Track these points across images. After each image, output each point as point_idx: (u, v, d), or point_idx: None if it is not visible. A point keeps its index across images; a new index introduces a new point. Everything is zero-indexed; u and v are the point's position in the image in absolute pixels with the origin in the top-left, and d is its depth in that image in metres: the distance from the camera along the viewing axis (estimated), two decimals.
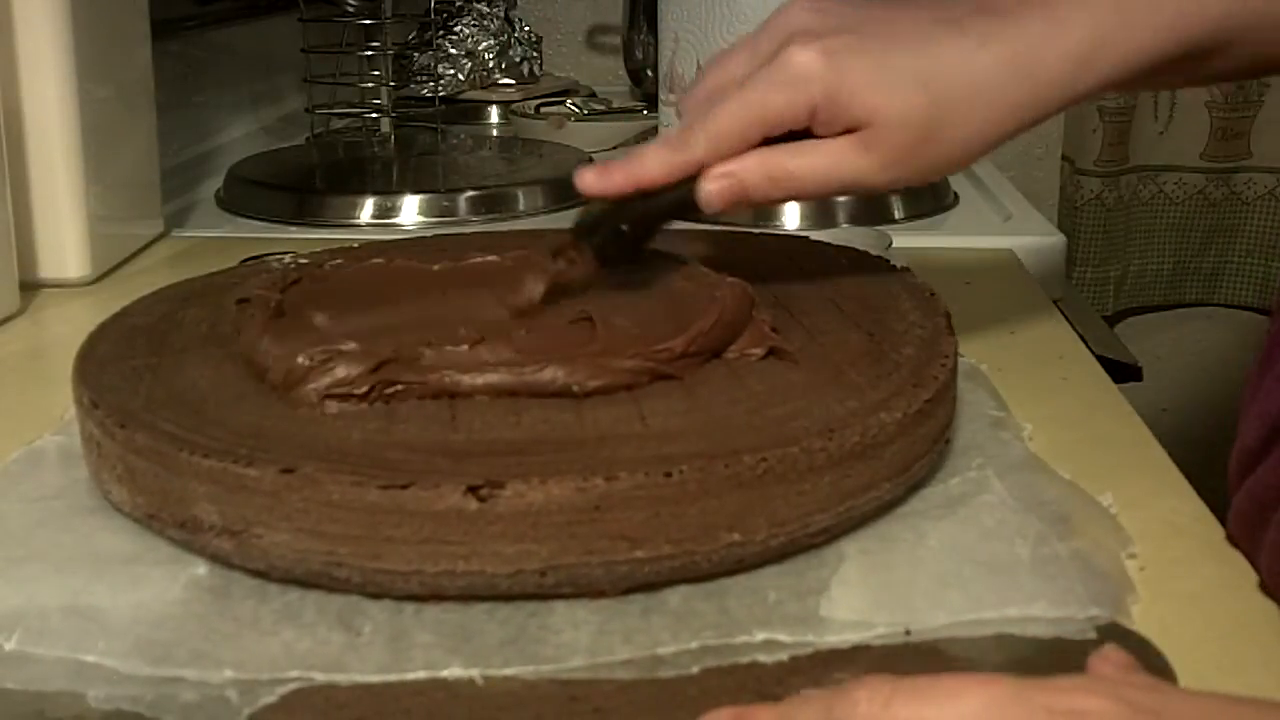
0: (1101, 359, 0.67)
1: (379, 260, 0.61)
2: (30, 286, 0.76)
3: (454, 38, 1.38)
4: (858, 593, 0.41)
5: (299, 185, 1.00)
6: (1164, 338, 1.79)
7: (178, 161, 1.07)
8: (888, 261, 0.62)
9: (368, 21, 1.10)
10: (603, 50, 1.73)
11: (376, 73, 1.13)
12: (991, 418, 0.54)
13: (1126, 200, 1.71)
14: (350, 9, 1.11)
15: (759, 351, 0.50)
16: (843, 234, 0.73)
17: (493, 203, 0.96)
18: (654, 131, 1.02)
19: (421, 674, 0.37)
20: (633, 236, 0.56)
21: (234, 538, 0.41)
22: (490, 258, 0.60)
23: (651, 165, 0.54)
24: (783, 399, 0.46)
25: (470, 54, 1.39)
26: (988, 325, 0.68)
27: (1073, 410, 0.58)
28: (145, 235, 0.88)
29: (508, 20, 1.41)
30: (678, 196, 0.54)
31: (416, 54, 1.38)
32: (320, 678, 0.37)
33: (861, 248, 0.65)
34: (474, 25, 1.39)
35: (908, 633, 0.38)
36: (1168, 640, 0.39)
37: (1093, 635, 0.38)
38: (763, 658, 0.37)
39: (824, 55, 0.52)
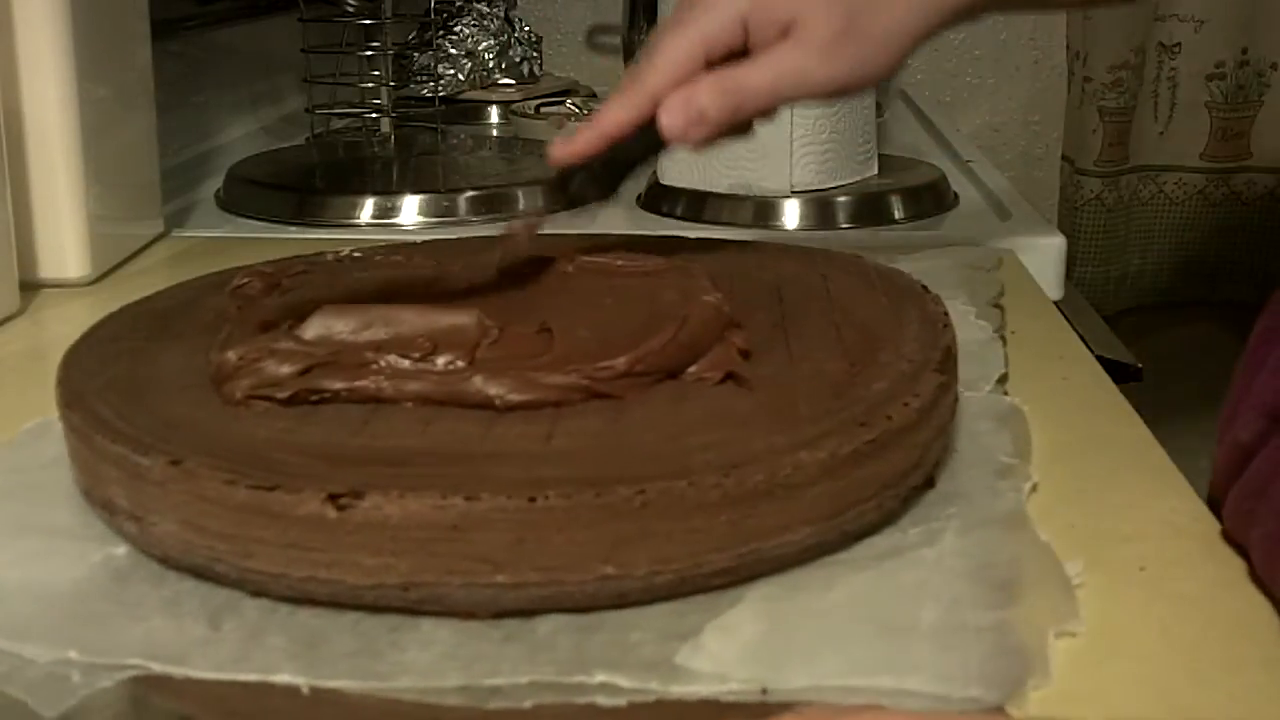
0: (1101, 359, 0.67)
1: (398, 258, 0.62)
2: (30, 286, 0.76)
3: (454, 38, 1.38)
4: (729, 643, 0.38)
5: (299, 185, 1.00)
6: (1164, 338, 1.79)
7: (178, 161, 1.07)
8: (922, 286, 0.58)
9: (368, 21, 1.10)
10: (603, 50, 1.73)
11: (376, 73, 1.13)
12: (1000, 465, 0.49)
13: (1126, 200, 1.71)
14: (350, 9, 1.11)
15: (716, 375, 0.48)
16: (955, 252, 0.70)
17: (493, 203, 0.96)
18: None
19: (253, 676, 0.37)
20: (606, 176, 0.58)
21: (137, 523, 0.42)
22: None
23: (609, 113, 0.57)
24: (709, 428, 0.44)
25: (470, 54, 1.39)
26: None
27: (1073, 410, 0.58)
28: (145, 235, 0.88)
29: (508, 20, 1.41)
30: (643, 137, 0.57)
31: (416, 54, 1.38)
32: (157, 668, 0.37)
33: (967, 266, 0.65)
34: (474, 25, 1.39)
35: (764, 691, 0.36)
36: (1168, 640, 0.39)
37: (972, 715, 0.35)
38: (602, 700, 0.36)
39: None
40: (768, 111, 0.59)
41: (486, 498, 0.38)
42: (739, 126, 0.59)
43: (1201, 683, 0.37)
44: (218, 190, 1.03)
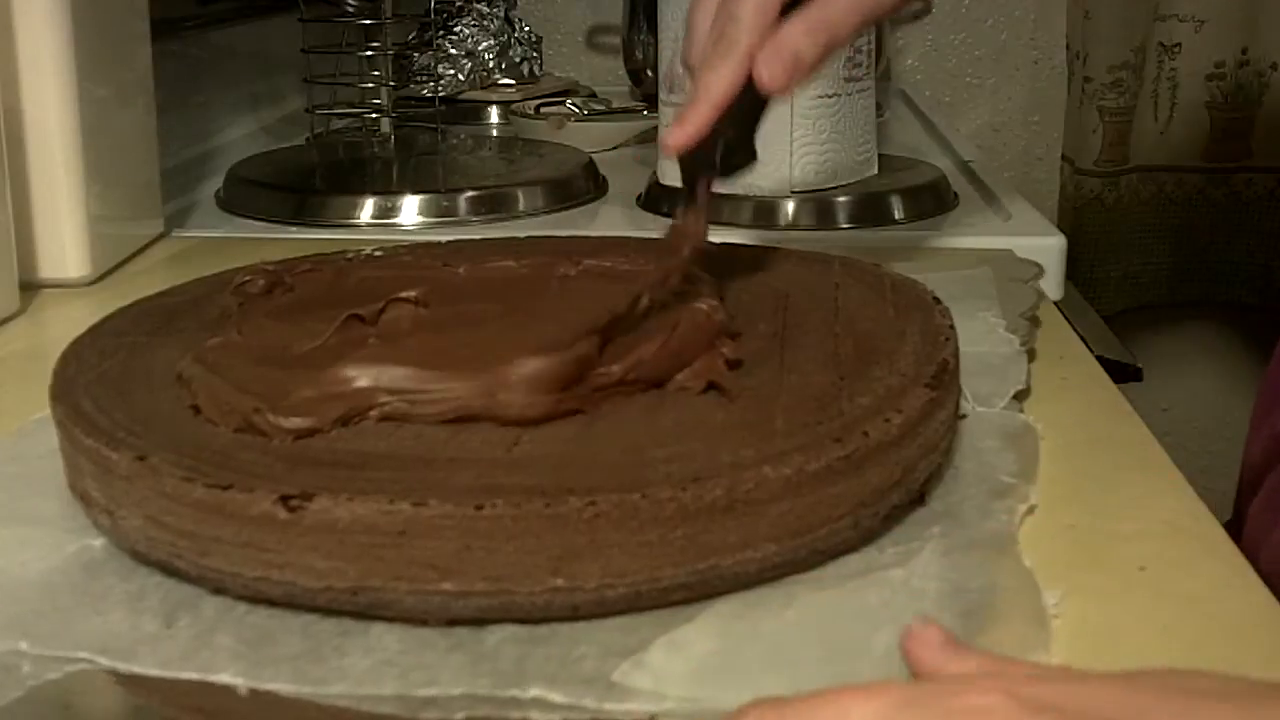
0: (1101, 359, 0.67)
1: (407, 258, 0.62)
2: (30, 286, 0.76)
3: (454, 38, 1.38)
4: (674, 660, 0.37)
5: (299, 185, 1.00)
6: (1164, 338, 1.79)
7: (178, 161, 1.07)
8: (934, 298, 0.56)
9: (368, 21, 1.10)
10: (603, 50, 1.73)
11: (376, 73, 1.13)
12: (999, 484, 0.48)
13: (1126, 200, 1.71)
14: (350, 9, 1.11)
15: (698, 385, 0.47)
16: (994, 260, 0.69)
17: (493, 203, 0.96)
18: (654, 131, 1.02)
19: (195, 675, 0.37)
20: (738, 141, 0.58)
21: (109, 516, 0.43)
22: (508, 262, 0.60)
23: (713, 83, 0.56)
24: (678, 439, 0.43)
25: (470, 54, 1.39)
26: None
27: (1073, 410, 0.58)
28: (145, 235, 0.88)
29: (508, 20, 1.41)
30: (747, 101, 0.56)
31: (416, 54, 1.38)
32: (105, 662, 0.37)
33: (1005, 276, 0.64)
34: (474, 25, 1.39)
35: (653, 718, 0.35)
36: (1168, 640, 0.39)
37: None
38: (535, 715, 0.35)
39: None
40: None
41: (434, 504, 0.38)
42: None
43: None
44: (218, 190, 1.03)
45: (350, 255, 0.65)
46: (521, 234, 0.90)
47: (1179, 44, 1.67)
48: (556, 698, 0.36)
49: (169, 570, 0.42)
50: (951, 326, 0.53)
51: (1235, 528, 0.47)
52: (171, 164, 1.01)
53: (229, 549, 0.39)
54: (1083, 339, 0.69)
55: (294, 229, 0.93)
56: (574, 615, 0.39)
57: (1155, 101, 1.69)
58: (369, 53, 1.12)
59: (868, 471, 0.43)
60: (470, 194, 0.96)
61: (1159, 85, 1.69)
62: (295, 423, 0.44)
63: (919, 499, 0.46)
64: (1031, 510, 0.47)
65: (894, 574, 0.41)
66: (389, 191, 0.97)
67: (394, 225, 0.94)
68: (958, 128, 1.35)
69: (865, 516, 0.43)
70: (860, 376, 0.48)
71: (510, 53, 1.41)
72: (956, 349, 0.51)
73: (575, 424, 0.45)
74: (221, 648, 0.38)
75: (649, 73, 1.42)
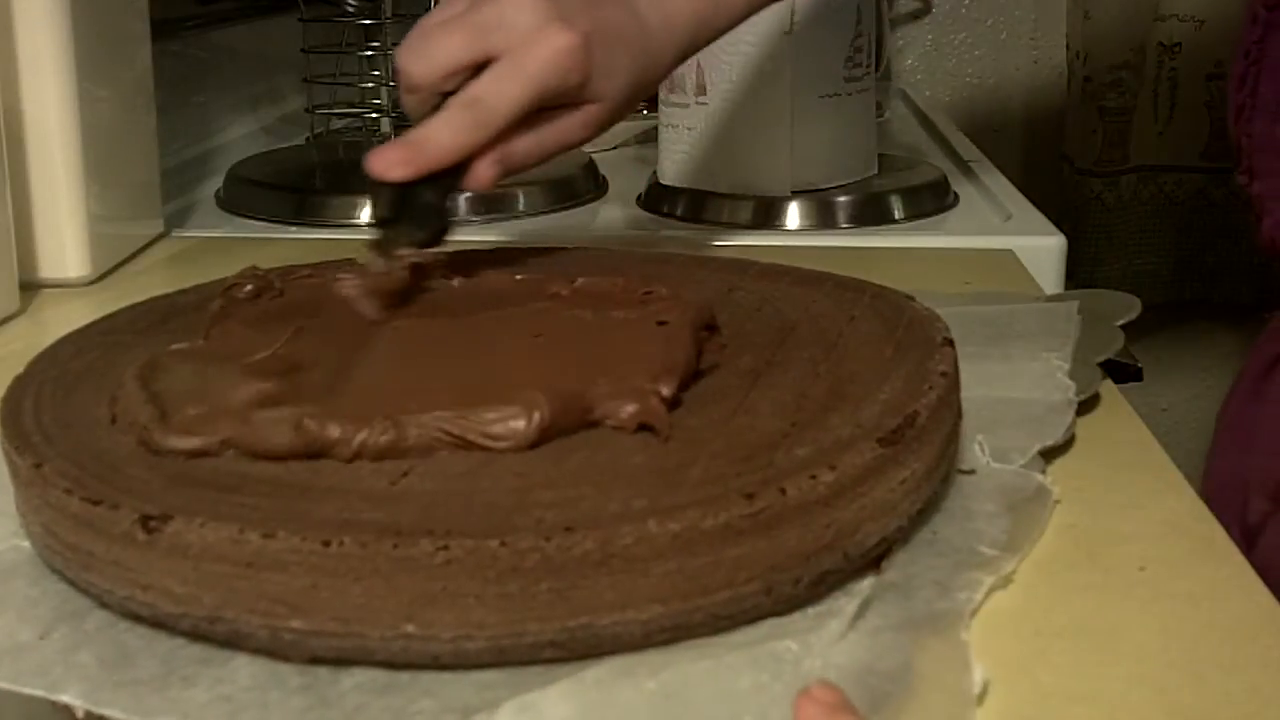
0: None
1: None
2: (30, 286, 0.76)
3: None
4: None
5: (299, 185, 1.00)
6: (1164, 338, 1.79)
7: (178, 161, 1.07)
8: (944, 339, 0.50)
9: (368, 21, 1.10)
10: None
11: (376, 73, 1.13)
12: (974, 557, 0.42)
13: (1126, 200, 1.71)
14: (350, 9, 1.11)
15: (630, 425, 0.43)
16: (1076, 304, 0.64)
17: (492, 203, 0.96)
18: (654, 131, 1.02)
19: (38, 692, 0.36)
20: (434, 203, 0.59)
21: (22, 519, 0.43)
22: (504, 278, 0.60)
23: (446, 147, 0.58)
24: (574, 483, 0.39)
25: None
26: None
27: None
28: (145, 235, 0.88)
29: None
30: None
31: None
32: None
33: (1093, 312, 0.62)
34: None
35: None
36: (1167, 640, 0.39)
37: None
38: None
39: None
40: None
41: (283, 536, 0.36)
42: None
43: (1201, 683, 0.37)
44: (218, 190, 1.03)
45: (343, 262, 0.63)
46: (521, 234, 0.90)
47: (1179, 44, 1.67)
48: None
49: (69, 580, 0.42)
50: (945, 374, 0.46)
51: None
52: (171, 164, 1.01)
53: (102, 565, 0.39)
54: None
55: (294, 229, 0.93)
56: (435, 664, 0.37)
57: (1155, 101, 1.69)
58: (369, 53, 1.12)
59: (783, 532, 0.38)
60: (470, 194, 0.96)
61: (1159, 85, 1.69)
62: (178, 442, 0.43)
63: (873, 565, 0.41)
64: (1007, 582, 0.42)
65: (786, 647, 0.37)
66: None
67: None
68: (958, 128, 1.35)
69: (782, 583, 0.38)
70: (814, 425, 0.43)
71: None
72: (943, 399, 0.45)
73: (475, 459, 0.41)
74: (78, 665, 0.37)
75: None
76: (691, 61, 0.92)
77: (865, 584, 0.40)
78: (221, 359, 0.49)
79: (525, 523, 0.37)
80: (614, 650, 0.37)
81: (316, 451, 0.42)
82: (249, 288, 0.57)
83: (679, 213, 0.94)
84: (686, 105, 0.93)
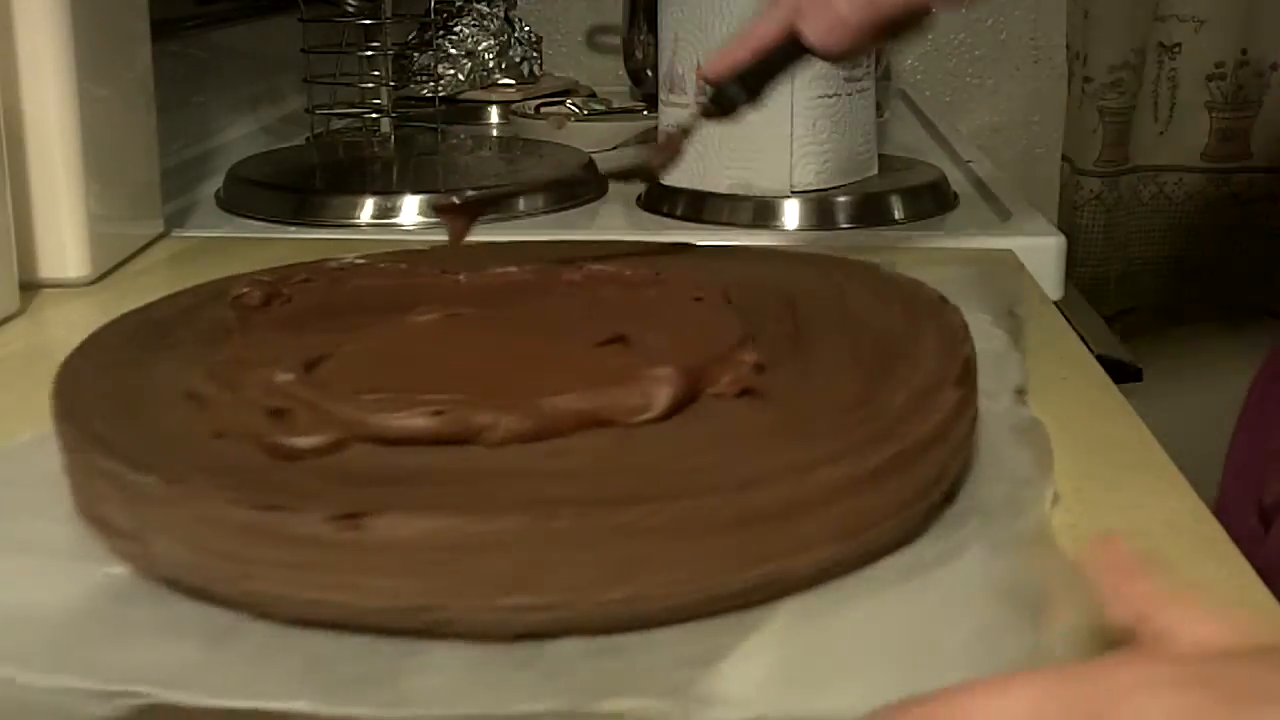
0: (1101, 359, 0.67)
1: (402, 266, 0.61)
2: (30, 286, 0.76)
3: (454, 38, 1.38)
4: (754, 667, 0.37)
5: (299, 185, 1.00)
6: (1164, 338, 1.79)
7: (178, 161, 1.07)
8: (940, 297, 0.56)
9: (368, 21, 1.10)
10: (603, 50, 1.73)
11: (376, 73, 1.13)
12: (1019, 478, 0.48)
13: (1126, 200, 1.71)
14: (350, 9, 1.11)
15: (732, 391, 0.47)
16: (969, 257, 0.69)
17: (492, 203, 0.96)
18: (654, 132, 1.02)
19: (260, 703, 0.35)
20: (755, 84, 0.63)
21: (134, 542, 0.41)
22: (510, 269, 0.60)
23: (756, 27, 0.61)
24: (724, 445, 0.43)
25: (470, 54, 1.39)
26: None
27: (1073, 410, 0.58)
28: (145, 235, 0.88)
29: (508, 20, 1.41)
30: (786, 48, 0.61)
31: (416, 54, 1.38)
32: (162, 695, 0.36)
33: (983, 272, 0.64)
34: (474, 25, 1.39)
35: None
36: None
37: None
38: None
39: None
40: (909, 24, 0.62)
41: (499, 518, 0.37)
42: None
43: None
44: (218, 190, 1.03)
45: (333, 263, 0.63)
46: (521, 235, 0.90)
47: (1179, 44, 1.67)
48: (644, 710, 0.35)
49: (203, 596, 0.40)
50: (965, 325, 0.52)
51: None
52: (171, 164, 1.01)
53: (277, 571, 0.38)
54: (1083, 339, 0.69)
55: (294, 229, 0.93)
56: (637, 626, 0.38)
57: (1155, 101, 1.69)
58: (369, 53, 1.12)
59: (911, 470, 0.42)
60: (470, 194, 0.96)
61: (1159, 85, 1.68)
62: (307, 442, 0.42)
63: (948, 497, 0.46)
64: (1056, 500, 0.47)
65: (947, 572, 0.41)
66: (389, 191, 0.97)
67: (394, 225, 0.94)
68: (958, 128, 1.35)
69: (908, 516, 0.43)
70: (887, 377, 0.47)
71: (510, 53, 1.41)
72: (973, 347, 0.51)
73: (608, 437, 0.44)
74: (281, 673, 0.37)
75: (649, 73, 1.42)
76: (691, 61, 0.92)
77: (951, 512, 0.45)
78: (280, 362, 0.48)
79: (709, 483, 0.39)
80: (790, 593, 0.40)
81: (461, 438, 0.43)
82: (258, 295, 0.57)
83: (679, 213, 0.94)
84: (686, 105, 0.93)
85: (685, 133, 0.64)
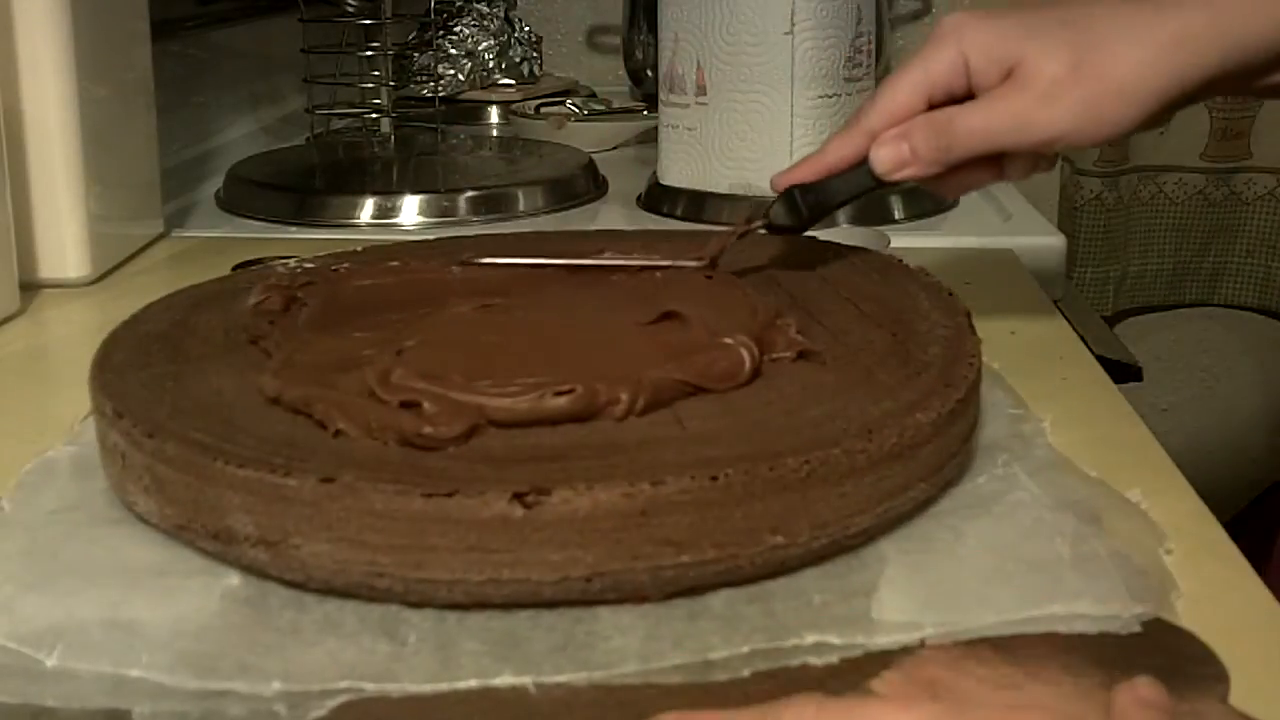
0: (1101, 359, 0.67)
1: (395, 263, 0.61)
2: (30, 286, 0.76)
3: (454, 38, 1.38)
4: (904, 594, 0.41)
5: (299, 185, 1.00)
6: (1164, 338, 1.79)
7: (178, 161, 1.07)
8: (900, 261, 0.61)
9: (368, 21, 1.10)
10: (603, 50, 1.73)
11: (376, 73, 1.13)
12: (1011, 415, 0.54)
13: (1126, 200, 1.71)
14: (350, 9, 1.11)
15: (789, 355, 0.50)
16: (842, 233, 0.72)
17: (493, 203, 0.96)
18: (654, 132, 1.02)
19: (473, 683, 0.36)
20: (807, 207, 0.61)
21: (270, 548, 0.41)
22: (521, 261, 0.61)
23: (831, 145, 0.59)
24: (816, 401, 0.46)
25: (470, 54, 1.39)
26: (988, 325, 0.68)
27: (1073, 410, 0.57)
28: (145, 235, 0.88)
29: (508, 20, 1.41)
30: (855, 174, 0.59)
31: (416, 54, 1.38)
32: (370, 688, 0.36)
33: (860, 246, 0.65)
34: (474, 25, 1.39)
35: (922, 643, 0.38)
36: None
37: (1138, 630, 0.39)
38: (813, 660, 0.37)
39: (970, 14, 0.57)
40: (990, 160, 0.58)
41: (671, 481, 0.39)
42: (966, 178, 0.59)
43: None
44: (218, 190, 1.03)
45: (300, 263, 0.62)
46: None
47: None
48: (834, 639, 0.38)
49: (344, 593, 0.40)
50: (939, 282, 0.57)
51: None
52: (171, 164, 1.01)
53: (448, 557, 0.39)
54: (1083, 339, 0.69)
55: (294, 229, 0.93)
56: (779, 571, 0.42)
57: None
58: (369, 53, 1.12)
59: (968, 410, 0.48)
60: (470, 194, 0.97)
61: None
62: (448, 430, 0.43)
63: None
64: (1050, 430, 0.52)
65: (1018, 497, 0.47)
66: (389, 191, 0.97)
67: (394, 225, 0.94)
68: None
69: (965, 451, 0.48)
70: (912, 336, 0.52)
71: (510, 53, 1.41)
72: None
73: (710, 399, 0.47)
74: (477, 654, 0.38)
75: (649, 73, 1.42)
76: (691, 61, 0.92)
77: (970, 448, 0.50)
78: (372, 360, 0.47)
79: (834, 433, 0.43)
80: (893, 529, 0.44)
81: (588, 414, 0.45)
82: (277, 300, 0.56)
83: (679, 213, 0.94)
84: (686, 105, 0.93)
85: (740, 235, 0.61)
